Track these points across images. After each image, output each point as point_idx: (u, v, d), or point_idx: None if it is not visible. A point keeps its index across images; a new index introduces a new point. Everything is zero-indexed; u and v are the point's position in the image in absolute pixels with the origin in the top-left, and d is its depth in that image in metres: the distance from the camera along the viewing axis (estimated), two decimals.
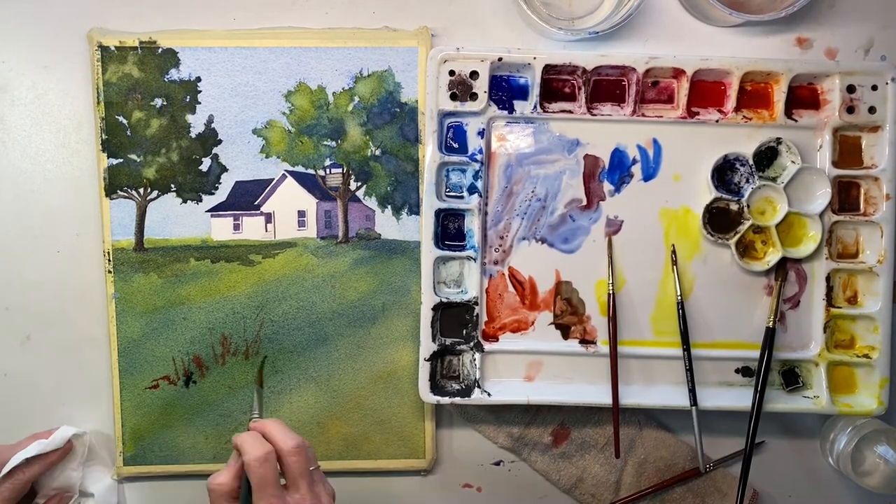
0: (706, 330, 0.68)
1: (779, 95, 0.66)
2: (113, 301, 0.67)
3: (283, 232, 0.68)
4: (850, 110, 0.66)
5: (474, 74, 0.65)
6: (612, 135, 0.67)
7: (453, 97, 0.66)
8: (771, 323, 0.67)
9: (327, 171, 0.68)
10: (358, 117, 0.68)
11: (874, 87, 0.66)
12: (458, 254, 0.67)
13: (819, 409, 0.67)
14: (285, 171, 0.68)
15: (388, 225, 0.68)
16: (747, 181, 0.67)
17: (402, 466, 0.69)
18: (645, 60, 0.65)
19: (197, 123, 0.67)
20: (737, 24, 0.67)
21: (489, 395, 0.67)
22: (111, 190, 0.67)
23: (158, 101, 0.67)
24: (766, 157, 0.67)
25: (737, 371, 0.68)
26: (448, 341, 0.67)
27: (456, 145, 0.67)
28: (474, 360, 0.67)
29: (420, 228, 0.67)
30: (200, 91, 0.67)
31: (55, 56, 0.67)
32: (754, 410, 0.66)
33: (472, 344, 0.67)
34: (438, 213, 0.66)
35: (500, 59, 0.65)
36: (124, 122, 0.67)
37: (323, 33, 0.67)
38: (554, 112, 0.66)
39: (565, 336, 0.68)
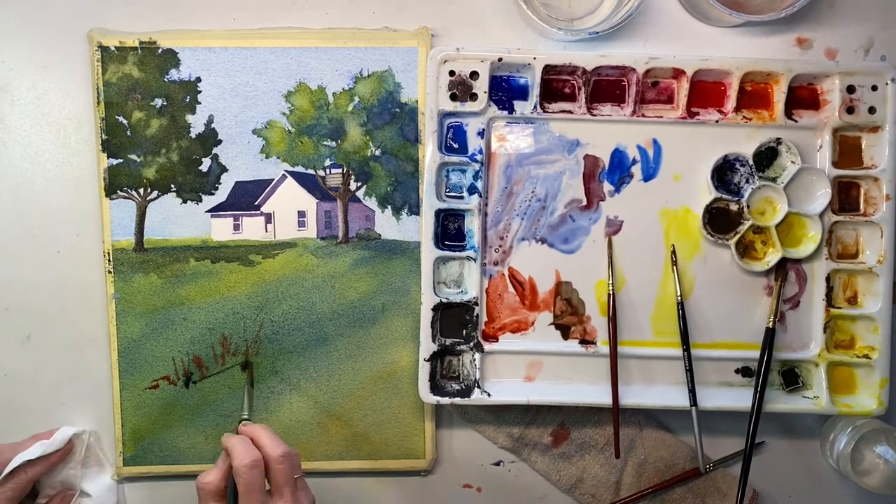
0: (706, 330, 0.68)
1: (779, 96, 0.66)
2: (113, 301, 0.67)
3: (283, 232, 0.68)
4: (850, 110, 0.66)
5: (474, 74, 0.65)
6: (612, 135, 0.67)
7: (453, 97, 0.66)
8: (771, 323, 0.67)
9: (327, 171, 0.68)
10: (358, 117, 0.68)
11: (874, 88, 0.66)
12: (458, 254, 0.67)
13: (819, 409, 0.67)
14: (285, 171, 0.68)
15: (388, 225, 0.68)
16: (747, 181, 0.67)
17: (402, 466, 0.69)
18: (645, 61, 0.65)
19: (197, 123, 0.67)
20: (737, 24, 0.67)
21: (489, 395, 0.67)
22: (111, 190, 0.67)
23: (158, 102, 0.67)
24: (766, 157, 0.67)
25: (737, 371, 0.68)
26: (448, 341, 0.67)
27: (456, 145, 0.67)
28: (474, 360, 0.67)
29: (420, 229, 0.67)
30: (200, 91, 0.67)
31: (55, 56, 0.67)
32: (754, 410, 0.66)
33: (472, 344, 0.67)
34: (438, 213, 0.66)
35: (500, 60, 0.65)
36: (124, 122, 0.67)
37: (323, 33, 0.67)
38: (554, 112, 0.66)
39: (565, 336, 0.68)
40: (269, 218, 0.68)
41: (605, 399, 0.67)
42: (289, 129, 0.67)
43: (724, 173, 0.67)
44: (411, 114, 0.67)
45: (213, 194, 0.67)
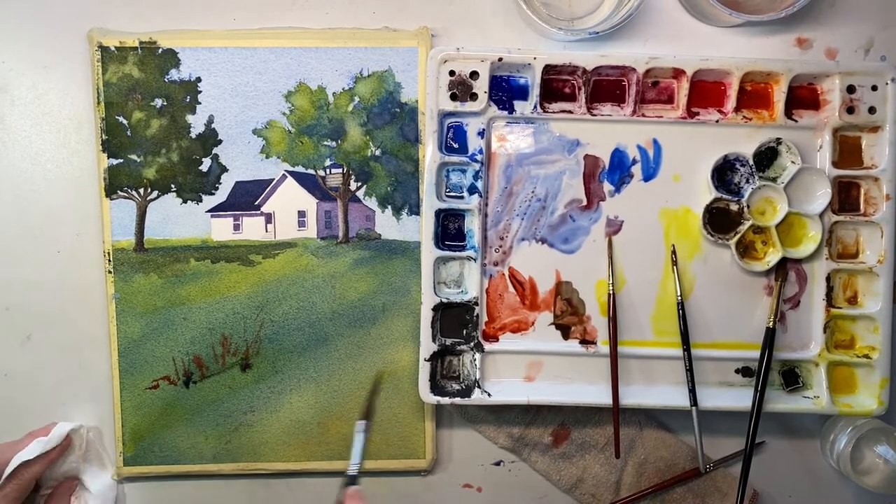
0: (706, 330, 0.68)
1: (779, 95, 0.66)
2: (113, 301, 0.67)
3: (283, 232, 0.68)
4: (850, 110, 0.66)
5: (474, 74, 0.65)
6: (612, 135, 0.67)
7: (453, 97, 0.66)
8: (771, 323, 0.67)
9: (327, 171, 0.68)
10: (358, 117, 0.68)
11: (874, 88, 0.66)
12: (458, 254, 0.67)
13: (819, 409, 0.67)
14: (285, 171, 0.68)
15: (388, 225, 0.68)
16: (747, 181, 0.67)
17: (402, 466, 0.69)
18: (645, 60, 0.65)
19: (197, 123, 0.67)
20: (737, 24, 0.67)
21: (489, 395, 0.67)
22: (111, 190, 0.67)
23: (158, 102, 0.67)
24: (766, 157, 0.67)
25: (737, 371, 0.68)
26: (448, 341, 0.67)
27: (456, 145, 0.67)
28: (474, 360, 0.67)
29: (420, 228, 0.67)
30: (200, 91, 0.67)
31: (55, 56, 0.67)
32: (754, 410, 0.66)
33: (472, 344, 0.67)
34: (438, 213, 0.66)
35: (500, 60, 0.65)
36: (124, 122, 0.67)
37: (323, 33, 0.67)
38: (554, 112, 0.66)
39: (565, 336, 0.68)
40: (269, 218, 0.68)
41: (605, 399, 0.67)
42: (289, 129, 0.67)
43: (724, 173, 0.67)
44: (411, 114, 0.67)
45: (213, 194, 0.67)
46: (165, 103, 0.67)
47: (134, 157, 0.67)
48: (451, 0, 0.68)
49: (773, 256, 0.67)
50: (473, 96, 0.66)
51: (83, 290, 0.68)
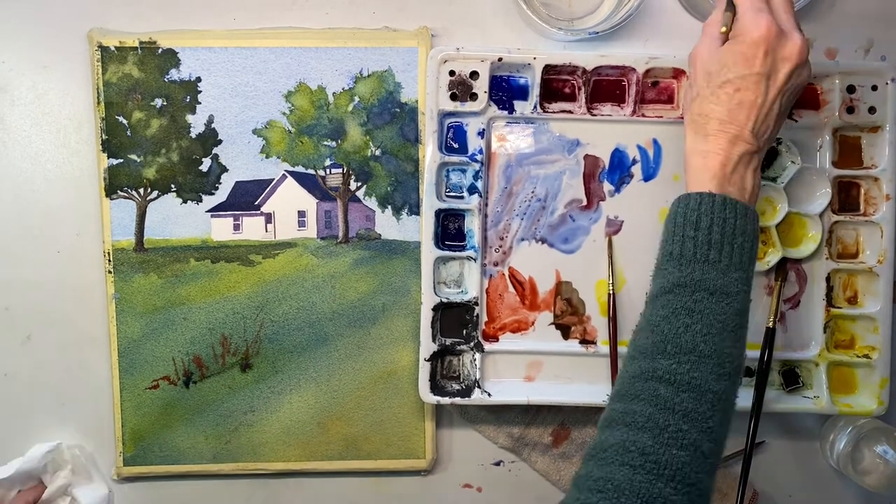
0: None
1: None
2: (113, 301, 0.67)
3: (283, 232, 0.68)
4: (850, 110, 0.66)
5: (474, 74, 0.65)
6: (612, 135, 0.67)
7: (453, 97, 0.66)
8: (771, 323, 0.67)
9: (327, 171, 0.68)
10: (358, 117, 0.68)
11: (874, 88, 0.66)
12: (458, 254, 0.67)
13: (819, 409, 0.67)
14: (285, 171, 0.68)
15: (388, 225, 0.68)
16: None
17: (402, 466, 0.69)
18: (645, 60, 0.65)
19: (197, 123, 0.67)
20: None
21: (489, 395, 0.67)
22: (111, 190, 0.67)
23: (158, 102, 0.67)
24: (767, 157, 0.67)
25: None
26: (448, 341, 0.67)
27: (456, 145, 0.67)
28: (474, 360, 0.67)
29: (420, 228, 0.67)
30: (200, 91, 0.67)
31: (55, 56, 0.67)
32: (754, 410, 0.66)
33: (472, 344, 0.67)
34: (438, 213, 0.66)
35: (500, 60, 0.65)
36: (124, 122, 0.67)
37: (323, 33, 0.67)
38: (554, 112, 0.66)
39: (565, 336, 0.68)
40: (269, 218, 0.68)
41: (605, 399, 0.67)
42: (289, 129, 0.67)
43: None
44: (411, 114, 0.67)
45: (213, 194, 0.67)
46: (165, 103, 0.67)
47: (134, 157, 0.67)
48: (451, 0, 0.68)
49: (773, 256, 0.67)
50: (473, 96, 0.66)
51: (83, 290, 0.68)
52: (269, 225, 0.68)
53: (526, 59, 0.65)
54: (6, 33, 0.67)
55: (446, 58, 0.65)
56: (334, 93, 0.67)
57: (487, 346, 0.67)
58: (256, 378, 0.68)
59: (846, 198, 0.68)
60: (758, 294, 0.68)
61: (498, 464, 0.71)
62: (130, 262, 0.67)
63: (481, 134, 0.66)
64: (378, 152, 0.68)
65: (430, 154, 0.66)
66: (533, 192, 0.67)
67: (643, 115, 0.67)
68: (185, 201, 0.67)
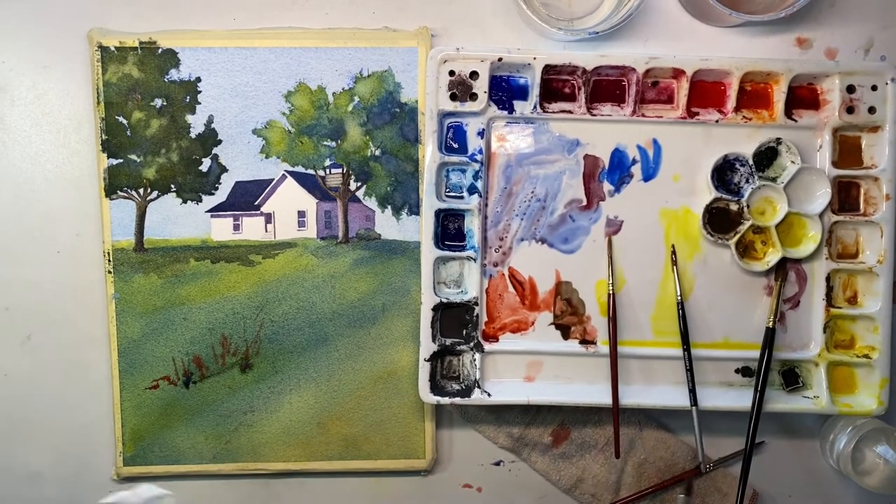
0: (706, 330, 0.68)
1: (779, 95, 0.66)
2: (113, 301, 0.67)
3: (283, 232, 0.68)
4: (850, 110, 0.66)
5: (474, 74, 0.65)
6: (612, 135, 0.67)
7: (453, 97, 0.66)
8: (771, 323, 0.67)
9: (327, 171, 0.68)
10: (358, 117, 0.68)
11: (874, 88, 0.66)
12: (458, 254, 0.67)
13: (819, 409, 0.67)
14: (285, 171, 0.68)
15: (388, 225, 0.68)
16: (747, 181, 0.67)
17: (402, 466, 0.69)
18: (645, 60, 0.65)
19: (197, 124, 0.67)
20: (737, 24, 0.67)
21: (489, 395, 0.67)
22: (111, 190, 0.67)
23: (158, 102, 0.67)
24: (766, 157, 0.67)
25: (737, 371, 0.68)
26: (448, 341, 0.67)
27: (456, 145, 0.67)
28: (474, 360, 0.67)
29: (420, 228, 0.67)
30: (200, 91, 0.67)
31: (55, 56, 0.67)
32: (754, 410, 0.66)
33: (472, 344, 0.67)
34: (438, 213, 0.66)
35: (500, 60, 0.65)
36: (124, 122, 0.67)
37: (323, 33, 0.67)
38: (554, 112, 0.66)
39: (565, 336, 0.68)
40: (269, 218, 0.68)
41: (605, 399, 0.67)
42: (289, 129, 0.67)
43: (724, 173, 0.67)
44: (411, 114, 0.67)
45: (213, 194, 0.67)
46: (165, 103, 0.67)
47: (134, 157, 0.67)
48: (451, 0, 0.68)
49: (772, 256, 0.67)
50: (473, 96, 0.66)
51: (83, 290, 0.68)
52: (268, 225, 0.68)
53: (526, 59, 0.65)
54: (6, 33, 0.67)
55: (446, 58, 0.65)
56: (334, 93, 0.67)
57: (487, 347, 0.67)
58: (256, 378, 0.68)
59: (846, 198, 0.68)
60: (758, 294, 0.68)
61: (498, 464, 0.71)
62: (130, 262, 0.67)
63: (481, 134, 0.66)
64: (378, 152, 0.68)
65: (429, 154, 0.66)
66: (533, 192, 0.67)
67: (643, 115, 0.67)
68: (184, 201, 0.67)
